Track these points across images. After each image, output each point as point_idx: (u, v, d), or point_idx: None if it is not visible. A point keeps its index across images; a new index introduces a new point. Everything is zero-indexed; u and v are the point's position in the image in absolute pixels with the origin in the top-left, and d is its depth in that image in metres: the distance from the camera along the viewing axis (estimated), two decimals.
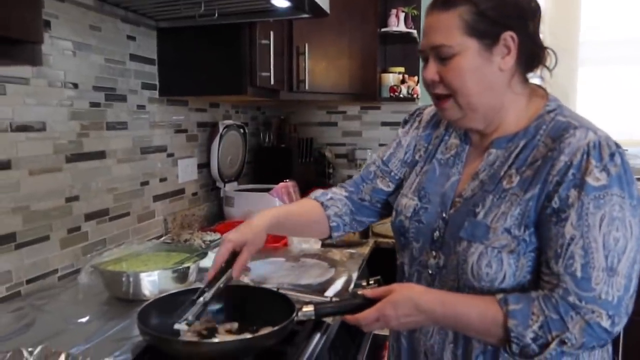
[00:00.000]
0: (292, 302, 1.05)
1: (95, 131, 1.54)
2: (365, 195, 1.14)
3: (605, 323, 0.79)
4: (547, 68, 0.97)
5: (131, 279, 1.23)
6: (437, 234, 0.97)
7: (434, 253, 0.97)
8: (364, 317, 0.91)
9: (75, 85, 1.46)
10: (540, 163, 0.87)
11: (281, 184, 2.14)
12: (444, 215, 0.97)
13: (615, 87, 2.60)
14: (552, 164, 0.84)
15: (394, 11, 2.58)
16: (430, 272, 0.98)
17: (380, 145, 2.86)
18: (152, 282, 1.24)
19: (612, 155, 0.82)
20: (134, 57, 1.71)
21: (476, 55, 0.89)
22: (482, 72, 0.90)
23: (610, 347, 0.96)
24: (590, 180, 0.81)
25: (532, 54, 0.94)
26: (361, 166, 2.90)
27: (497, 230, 0.87)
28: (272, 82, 1.85)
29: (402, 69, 2.65)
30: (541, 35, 0.95)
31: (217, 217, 2.26)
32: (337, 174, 2.88)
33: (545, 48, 0.95)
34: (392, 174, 1.12)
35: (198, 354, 0.90)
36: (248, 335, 0.98)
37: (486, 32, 0.89)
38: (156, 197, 1.87)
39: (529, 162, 0.89)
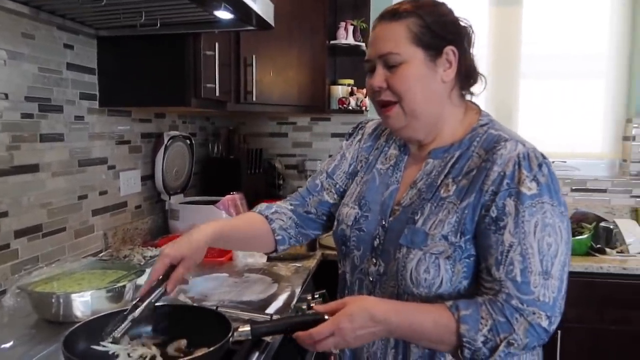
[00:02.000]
0: (229, 321, 1.03)
1: (27, 143, 1.47)
2: (311, 207, 1.15)
3: (544, 323, 0.85)
4: (472, 93, 1.04)
5: (61, 300, 1.17)
6: (377, 241, 1.00)
7: (374, 260, 1.00)
8: (318, 332, 0.86)
9: (6, 96, 1.39)
10: (475, 173, 0.92)
11: (228, 196, 2.11)
12: (383, 223, 1.00)
13: (555, 101, 2.71)
14: (487, 173, 0.90)
15: (342, 24, 2.61)
16: (371, 279, 1.01)
17: (330, 156, 2.86)
18: (84, 303, 1.18)
19: (540, 166, 0.89)
20: (71, 67, 1.64)
21: (422, 64, 0.95)
22: (427, 81, 0.96)
23: (540, 352, 1.01)
24: (524, 189, 0.87)
25: (469, 71, 1.00)
26: (308, 178, 2.91)
27: (435, 236, 0.92)
28: (217, 94, 1.82)
29: (351, 81, 2.68)
30: (474, 58, 1.02)
31: (162, 231, 2.20)
32: (287, 185, 2.87)
33: (477, 70, 1.01)
34: (337, 186, 1.14)
35: None
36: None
37: (431, 44, 0.95)
38: (95, 211, 1.80)
39: (464, 172, 0.94)
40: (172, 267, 0.97)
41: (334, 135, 2.87)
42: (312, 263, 1.86)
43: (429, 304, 0.91)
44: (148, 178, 2.14)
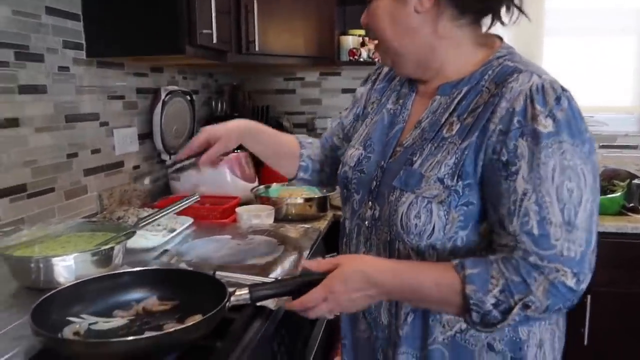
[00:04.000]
0: (225, 286, 0.90)
1: (4, 95, 1.32)
2: (328, 152, 1.16)
3: (570, 282, 0.73)
4: (500, 20, 0.87)
5: (41, 265, 1.05)
6: (374, 183, 0.93)
7: (370, 204, 0.93)
8: (310, 299, 0.80)
9: None
10: (480, 110, 0.81)
11: (232, 154, 1.97)
12: (382, 164, 0.93)
13: (582, 56, 2.52)
14: (493, 110, 0.79)
15: None
16: (367, 224, 0.94)
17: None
18: (67, 267, 1.06)
19: (558, 99, 0.75)
20: (51, 11, 1.48)
21: None
22: (397, 15, 0.87)
23: (561, 320, 0.91)
24: (538, 127, 0.75)
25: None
26: (321, 136, 2.76)
27: (430, 179, 0.83)
28: (215, 41, 1.65)
29: (362, 32, 2.48)
30: None
31: (163, 192, 2.07)
32: None
33: None
34: (346, 130, 1.11)
35: (103, 356, 0.74)
36: (160, 332, 0.83)
37: None
38: (88, 170, 1.67)
39: (471, 109, 0.83)
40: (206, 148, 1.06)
41: (344, 90, 2.69)
42: (322, 224, 1.73)
43: (433, 263, 0.83)
44: (146, 137, 2.00)
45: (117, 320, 0.90)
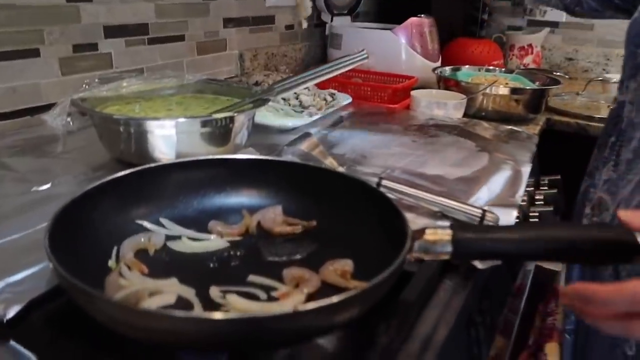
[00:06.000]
0: (404, 219, 0.47)
1: None
2: None
3: None
4: None
5: (131, 130, 0.70)
6: None
7: None
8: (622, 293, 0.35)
9: None
10: None
11: (413, 18, 1.45)
12: None
13: None
14: None
15: None
16: None
17: None
18: (166, 139, 0.70)
19: None
20: None
21: None
22: None
23: None
24: None
25: None
26: (532, 12, 2.05)
27: None
28: None
29: None
30: None
31: (319, 62, 1.66)
32: (493, 23, 2.05)
33: None
34: None
35: (154, 331, 0.36)
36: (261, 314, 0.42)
37: None
38: (229, 20, 1.30)
39: None
40: None
41: None
42: (534, 129, 1.17)
43: None
44: None
45: (212, 241, 0.53)
